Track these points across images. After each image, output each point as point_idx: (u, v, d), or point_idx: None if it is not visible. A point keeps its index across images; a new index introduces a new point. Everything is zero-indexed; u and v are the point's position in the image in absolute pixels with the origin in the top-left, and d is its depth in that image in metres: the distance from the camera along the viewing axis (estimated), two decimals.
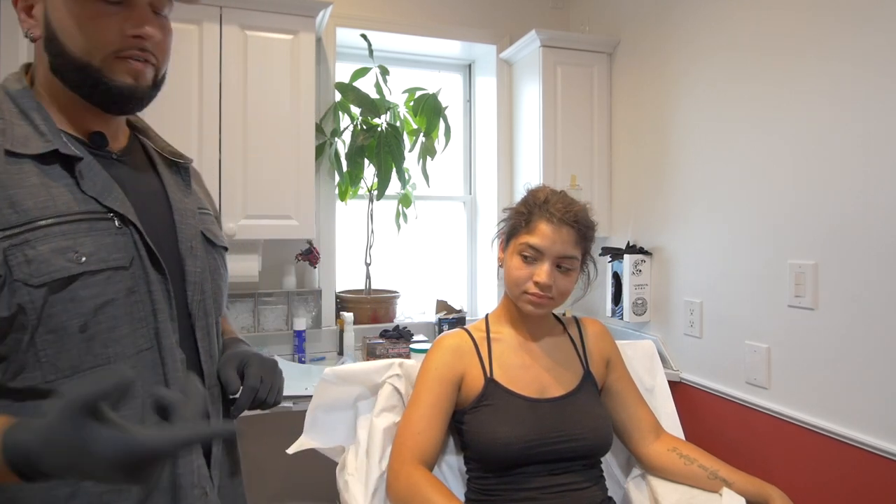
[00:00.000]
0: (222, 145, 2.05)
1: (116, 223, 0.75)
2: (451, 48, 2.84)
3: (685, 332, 2.12)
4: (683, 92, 2.14)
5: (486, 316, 1.38)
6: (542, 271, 1.18)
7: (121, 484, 0.61)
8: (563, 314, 1.45)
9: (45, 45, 0.77)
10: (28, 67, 0.82)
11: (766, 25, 1.79)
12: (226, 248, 0.98)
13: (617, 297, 2.35)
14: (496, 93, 2.77)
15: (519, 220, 1.23)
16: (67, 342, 0.70)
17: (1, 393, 0.69)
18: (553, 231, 1.19)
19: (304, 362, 2.26)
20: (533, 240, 1.19)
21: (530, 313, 1.24)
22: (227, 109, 2.06)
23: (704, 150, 2.04)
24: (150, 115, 0.95)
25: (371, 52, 2.44)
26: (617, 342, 1.41)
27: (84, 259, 0.71)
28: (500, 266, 1.32)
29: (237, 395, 0.86)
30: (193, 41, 2.03)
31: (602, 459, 1.26)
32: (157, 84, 0.83)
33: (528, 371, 1.25)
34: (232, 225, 2.03)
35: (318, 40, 2.43)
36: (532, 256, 1.20)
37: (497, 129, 2.77)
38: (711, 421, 1.99)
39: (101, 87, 0.76)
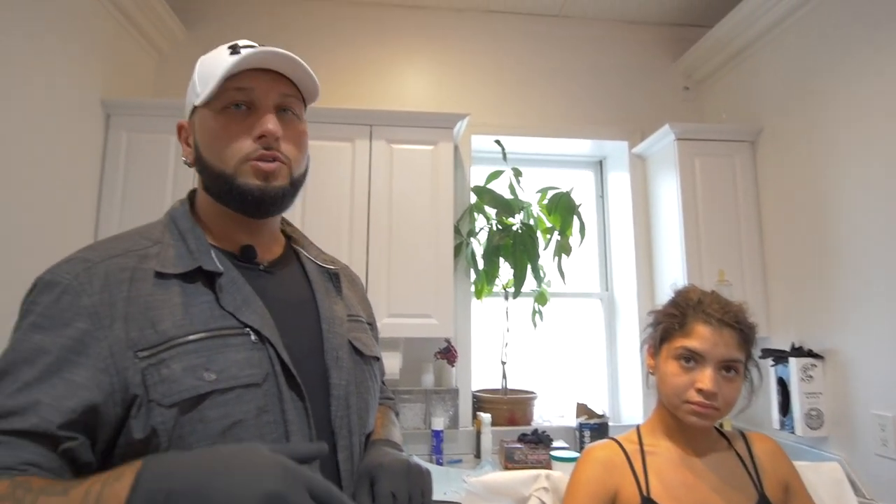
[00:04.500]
0: (370, 248, 2.21)
1: (252, 338, 0.73)
2: (582, 146, 2.89)
3: (877, 453, 1.80)
4: (843, 172, 1.97)
5: (638, 427, 1.28)
6: (706, 377, 1.09)
7: None
8: (720, 425, 1.31)
9: (196, 165, 0.82)
10: (193, 193, 0.88)
11: None
12: (377, 359, 0.93)
13: (784, 407, 2.09)
14: (630, 188, 2.74)
15: (671, 322, 1.16)
16: None
17: None
18: (713, 333, 1.10)
19: (441, 464, 2.23)
20: (691, 343, 1.11)
21: (694, 424, 1.13)
22: (374, 215, 2.23)
23: (876, 232, 1.83)
24: (308, 222, 1.01)
25: (504, 155, 2.55)
26: (794, 463, 1.23)
27: (213, 377, 0.68)
28: (651, 373, 1.24)
29: None
30: (347, 157, 2.26)
31: None
32: (293, 184, 0.82)
33: (693, 491, 1.12)
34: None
35: (455, 147, 2.59)
36: (692, 361, 1.11)
37: (633, 224, 2.71)
38: None
39: (234, 192, 0.77)
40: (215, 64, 0.78)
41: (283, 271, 0.86)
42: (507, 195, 2.55)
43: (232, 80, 0.77)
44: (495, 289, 2.60)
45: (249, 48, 0.79)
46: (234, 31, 2.67)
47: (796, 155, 2.21)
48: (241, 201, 0.78)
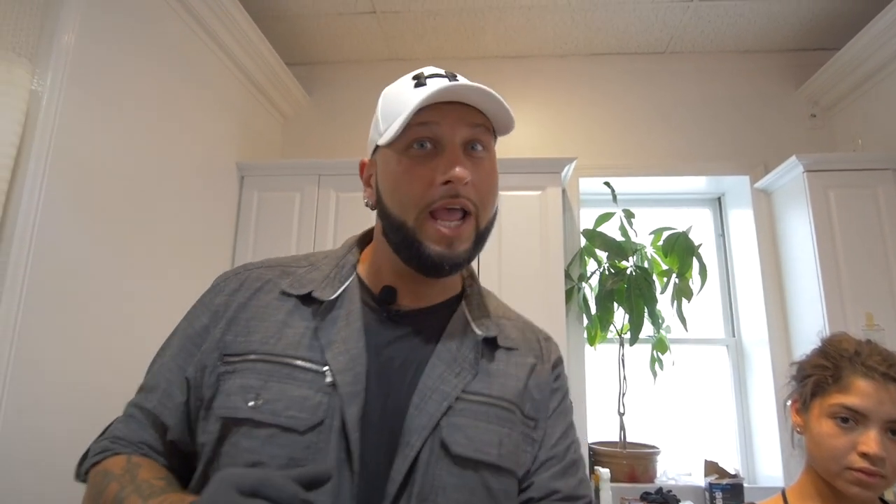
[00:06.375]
0: None
1: (327, 380, 0.65)
2: (697, 183, 2.76)
3: None
4: None
5: (783, 491, 1.15)
6: (870, 439, 0.96)
7: None
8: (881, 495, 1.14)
9: (377, 210, 0.75)
10: (371, 230, 0.83)
11: None
12: (494, 466, 0.67)
13: None
14: (754, 225, 2.56)
15: (823, 376, 1.04)
16: None
17: None
18: (876, 389, 0.98)
19: None
20: (850, 400, 0.99)
21: (856, 496, 1.00)
22: (483, 262, 2.24)
23: None
24: None
25: (615, 197, 2.49)
26: None
27: (253, 404, 0.63)
28: (798, 432, 1.11)
29: None
30: None
31: None
32: (479, 238, 0.72)
33: None
34: None
35: (563, 191, 2.57)
36: (851, 421, 0.99)
37: (760, 264, 2.51)
38: None
39: (413, 252, 0.69)
40: (398, 100, 0.71)
41: (420, 323, 0.74)
42: (619, 237, 2.47)
43: (415, 114, 0.68)
44: (610, 335, 2.50)
45: (436, 77, 0.71)
46: (350, 94, 2.88)
47: None
48: (419, 265, 0.70)
